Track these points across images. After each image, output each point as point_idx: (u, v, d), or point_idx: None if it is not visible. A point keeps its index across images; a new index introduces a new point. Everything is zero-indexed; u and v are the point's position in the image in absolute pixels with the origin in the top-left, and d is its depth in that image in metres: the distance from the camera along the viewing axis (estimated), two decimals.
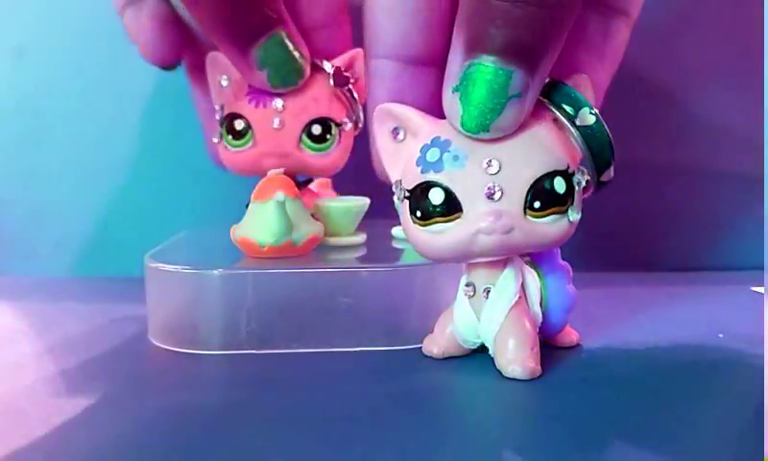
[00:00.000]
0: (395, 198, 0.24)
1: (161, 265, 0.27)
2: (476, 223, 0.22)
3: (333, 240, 0.31)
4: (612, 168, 0.23)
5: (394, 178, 0.24)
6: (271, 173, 0.29)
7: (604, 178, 0.23)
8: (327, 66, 0.30)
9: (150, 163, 0.43)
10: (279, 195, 0.27)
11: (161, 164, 0.42)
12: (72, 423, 0.20)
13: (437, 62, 0.24)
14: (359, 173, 0.28)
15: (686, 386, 0.23)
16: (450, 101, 0.22)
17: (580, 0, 0.21)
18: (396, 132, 0.24)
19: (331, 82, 0.29)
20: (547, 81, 0.23)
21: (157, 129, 0.42)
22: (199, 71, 0.32)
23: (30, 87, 0.43)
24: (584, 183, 0.23)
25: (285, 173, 0.29)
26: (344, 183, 0.35)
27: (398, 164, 0.24)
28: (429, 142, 0.23)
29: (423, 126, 0.23)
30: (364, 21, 0.25)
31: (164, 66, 0.31)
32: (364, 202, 0.31)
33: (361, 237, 0.31)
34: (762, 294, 0.34)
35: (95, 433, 0.20)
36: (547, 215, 0.22)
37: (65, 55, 0.42)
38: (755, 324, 0.28)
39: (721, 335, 0.28)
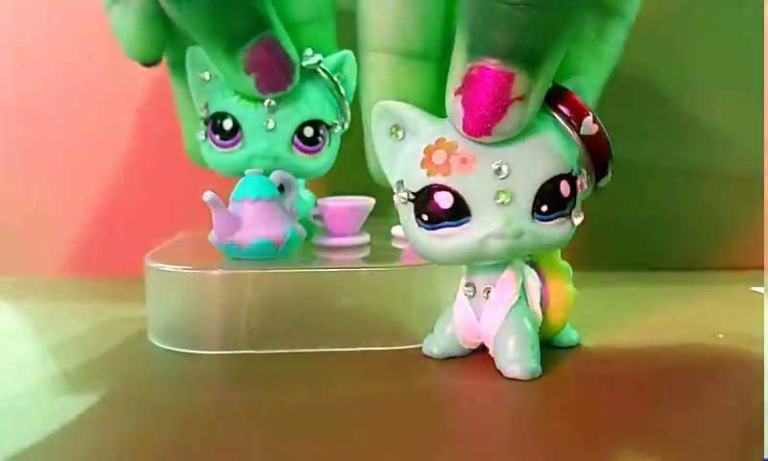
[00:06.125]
0: (395, 198, 0.24)
1: (161, 265, 0.27)
2: (486, 227, 0.22)
3: (338, 240, 0.31)
4: (609, 175, 0.23)
5: (393, 177, 0.24)
6: (249, 172, 0.28)
7: (601, 183, 0.23)
8: (311, 54, 0.29)
9: (150, 163, 0.42)
10: (207, 195, 0.27)
11: (161, 164, 0.42)
12: (72, 423, 0.20)
13: (432, 56, 0.23)
14: (358, 172, 0.28)
15: (686, 386, 0.23)
16: (453, 103, 0.22)
17: (582, 2, 0.21)
18: (394, 130, 0.24)
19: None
20: (551, 86, 0.22)
21: (158, 128, 0.42)
22: (181, 67, 0.30)
23: (30, 87, 0.43)
24: (585, 187, 0.23)
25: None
26: (343, 182, 0.35)
27: (397, 164, 0.24)
28: (434, 143, 0.23)
29: (424, 125, 0.23)
30: (358, 15, 0.24)
31: (145, 63, 0.30)
32: (369, 202, 0.31)
33: (365, 237, 0.31)
34: (762, 294, 0.34)
35: (95, 433, 0.20)
36: (553, 218, 0.22)
37: (65, 55, 0.42)
38: (755, 324, 0.28)
39: (721, 335, 0.28)
